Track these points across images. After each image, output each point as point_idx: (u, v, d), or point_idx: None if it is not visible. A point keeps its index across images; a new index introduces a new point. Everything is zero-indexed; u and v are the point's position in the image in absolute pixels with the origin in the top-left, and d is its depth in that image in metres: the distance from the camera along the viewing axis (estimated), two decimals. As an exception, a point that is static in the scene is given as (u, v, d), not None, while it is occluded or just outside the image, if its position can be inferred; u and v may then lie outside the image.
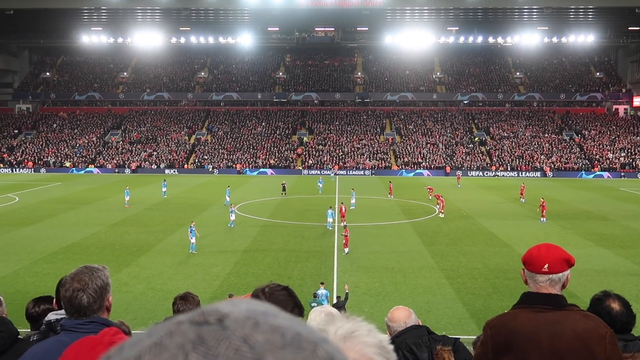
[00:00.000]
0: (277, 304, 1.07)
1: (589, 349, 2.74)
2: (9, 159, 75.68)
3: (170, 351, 0.70)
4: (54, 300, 4.35)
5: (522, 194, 47.42)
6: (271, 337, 0.73)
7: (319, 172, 70.33)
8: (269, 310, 0.79)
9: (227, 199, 43.89)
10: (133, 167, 73.08)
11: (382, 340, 1.02)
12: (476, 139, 79.68)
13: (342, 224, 33.03)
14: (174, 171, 72.54)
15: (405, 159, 74.89)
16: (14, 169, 73.49)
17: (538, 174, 71.33)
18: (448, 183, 59.68)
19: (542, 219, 37.60)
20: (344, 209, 36.29)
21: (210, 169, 72.43)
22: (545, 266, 3.05)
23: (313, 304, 19.21)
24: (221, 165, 73.73)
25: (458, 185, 57.39)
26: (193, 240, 28.44)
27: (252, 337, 0.72)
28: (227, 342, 0.71)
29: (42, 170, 73.16)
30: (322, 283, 21.01)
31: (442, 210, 39.70)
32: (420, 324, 4.08)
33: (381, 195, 51.14)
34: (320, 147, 78.04)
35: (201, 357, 0.69)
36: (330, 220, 35.18)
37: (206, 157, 75.92)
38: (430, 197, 47.74)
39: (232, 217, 35.15)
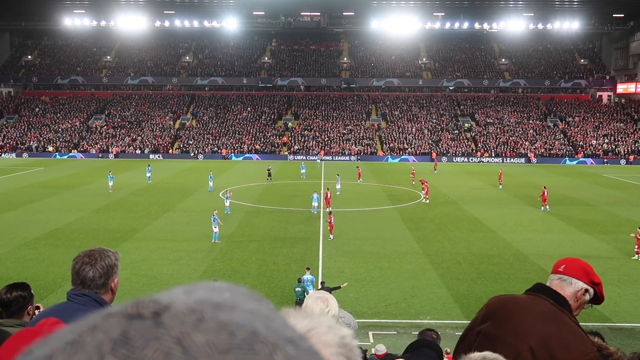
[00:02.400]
0: None
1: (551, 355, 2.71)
2: (-9, 143, 74.67)
3: (86, 352, 0.58)
4: (30, 288, 4.32)
5: (500, 181, 47.64)
6: (214, 338, 0.59)
7: (304, 157, 70.26)
8: (228, 301, 0.65)
9: (210, 184, 43.74)
10: (114, 152, 72.42)
11: (343, 337, 0.88)
12: (466, 125, 79.91)
13: (327, 210, 33.08)
14: (159, 156, 72.04)
15: (391, 145, 75.00)
16: (-5, 154, 72.58)
17: (522, 160, 71.82)
18: (430, 169, 59.85)
19: (542, 207, 36.97)
20: (329, 194, 36.31)
21: (192, 155, 71.95)
22: (562, 267, 3.07)
23: (297, 289, 19.27)
24: (206, 150, 73.33)
25: (435, 172, 57.27)
26: (216, 229, 27.88)
27: (190, 337, 0.58)
28: (156, 343, 0.58)
29: (25, 155, 72.29)
30: (308, 268, 21.04)
31: (427, 196, 39.85)
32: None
33: (367, 180, 51.21)
34: (306, 132, 77.85)
35: None
36: (315, 204, 35.23)
37: (191, 142, 75.45)
38: (413, 183, 47.97)
39: (227, 204, 34.65)
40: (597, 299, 3.08)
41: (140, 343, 0.58)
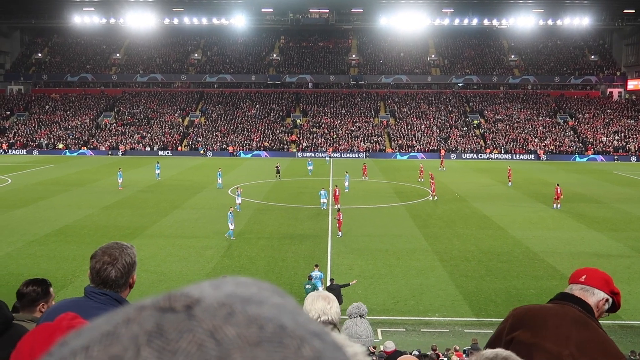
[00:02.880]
0: None
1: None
2: (1, 140, 75.15)
3: (122, 343, 0.59)
4: (49, 286, 4.33)
5: (509, 178, 47.40)
6: (245, 331, 0.61)
7: (312, 154, 70.26)
8: (255, 296, 0.67)
9: (219, 181, 43.83)
10: (122, 150, 72.64)
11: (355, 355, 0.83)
12: (475, 122, 79.62)
13: (336, 207, 33.06)
14: (168, 153, 72.29)
15: (400, 142, 74.84)
16: (6, 151, 73.03)
17: (532, 157, 71.47)
18: (438, 166, 59.62)
19: (554, 204, 36.37)
20: (337, 191, 36.26)
21: (201, 152, 72.15)
22: (583, 277, 3.09)
23: (307, 286, 19.28)
24: (215, 147, 73.49)
25: (440, 168, 56.93)
26: (232, 226, 27.74)
27: (222, 330, 0.60)
28: (190, 336, 0.60)
29: (35, 152, 72.74)
30: (316, 265, 21.07)
31: (433, 193, 39.65)
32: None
33: (375, 178, 51.15)
34: (315, 129, 77.84)
35: (155, 352, 0.59)
36: (323, 200, 35.26)
37: (200, 140, 75.64)
38: (421, 180, 47.85)
39: (238, 201, 34.24)
40: (614, 307, 3.13)
41: (174, 335, 0.60)
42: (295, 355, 0.60)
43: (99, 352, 0.59)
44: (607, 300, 3.06)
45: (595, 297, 3.05)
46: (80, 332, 0.63)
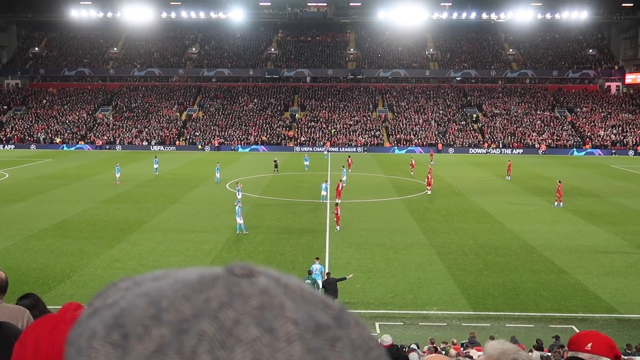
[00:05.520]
0: None
1: None
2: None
3: (196, 305, 0.64)
4: (37, 298, 4.28)
5: (509, 172, 47.41)
6: (297, 292, 0.69)
7: (310, 149, 70.24)
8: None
9: (217, 175, 43.78)
10: (118, 145, 72.65)
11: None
12: (473, 116, 79.61)
13: (337, 201, 33.03)
14: (167, 148, 72.20)
15: (398, 136, 74.83)
16: (4, 145, 72.89)
17: (530, 150, 71.50)
18: (436, 160, 59.60)
19: (556, 203, 35.35)
20: (340, 186, 36.15)
21: (200, 147, 72.09)
22: (589, 345, 3.06)
23: (307, 281, 19.29)
24: (213, 142, 73.39)
25: (431, 162, 56.79)
26: (240, 220, 27.64)
27: (280, 298, 0.66)
28: (254, 300, 0.65)
29: (32, 146, 72.60)
30: (317, 258, 21.12)
31: (428, 187, 39.65)
32: None
33: (373, 172, 51.16)
34: (313, 124, 77.79)
35: (233, 312, 0.63)
36: (324, 193, 35.31)
37: (198, 134, 75.55)
38: (411, 173, 48.03)
39: (239, 196, 33.25)
40: None
41: (244, 295, 0.65)
42: (338, 314, 0.68)
43: (177, 308, 0.63)
44: None
45: None
46: (161, 288, 0.67)
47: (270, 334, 0.62)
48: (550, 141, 73.28)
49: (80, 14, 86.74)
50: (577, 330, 16.11)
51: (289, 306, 0.64)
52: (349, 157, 55.03)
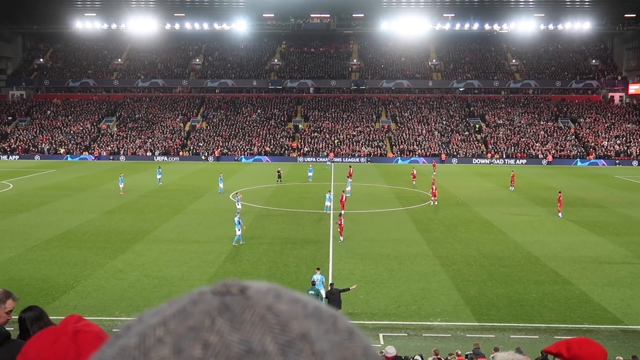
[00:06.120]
0: None
1: None
2: (3, 145, 75.27)
3: (196, 317, 0.70)
4: (40, 310, 4.24)
5: (512, 182, 47.30)
6: (294, 308, 0.73)
7: (314, 159, 70.29)
8: (286, 288, 0.80)
9: (221, 186, 43.82)
10: (122, 155, 72.82)
11: None
12: (476, 126, 79.65)
13: (340, 212, 32.96)
14: (170, 158, 72.34)
15: (401, 147, 74.87)
16: (8, 156, 73.14)
17: (533, 161, 71.41)
18: (440, 170, 59.63)
19: (560, 214, 34.98)
20: (344, 197, 36.14)
21: (203, 157, 72.25)
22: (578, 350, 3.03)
23: (311, 292, 19.24)
24: (216, 153, 73.55)
25: (434, 173, 56.71)
26: (239, 232, 27.58)
27: (276, 307, 0.73)
28: (252, 310, 0.71)
29: (37, 157, 72.83)
30: (318, 268, 21.05)
31: (432, 198, 39.66)
32: None
33: (376, 182, 51.13)
34: (316, 134, 77.90)
35: (227, 321, 0.69)
36: (328, 204, 35.28)
37: (201, 144, 75.72)
38: (414, 183, 48.19)
39: (239, 206, 33.55)
40: None
41: (239, 310, 0.72)
42: (333, 327, 0.74)
43: (176, 325, 0.70)
44: None
45: None
46: (155, 310, 0.74)
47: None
48: (553, 151, 73.22)
49: (85, 26, 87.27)
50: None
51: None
52: (350, 167, 55.07)
